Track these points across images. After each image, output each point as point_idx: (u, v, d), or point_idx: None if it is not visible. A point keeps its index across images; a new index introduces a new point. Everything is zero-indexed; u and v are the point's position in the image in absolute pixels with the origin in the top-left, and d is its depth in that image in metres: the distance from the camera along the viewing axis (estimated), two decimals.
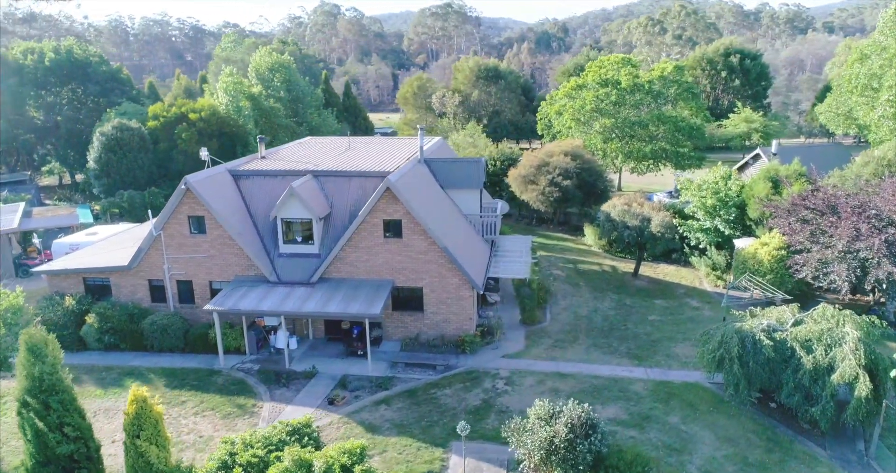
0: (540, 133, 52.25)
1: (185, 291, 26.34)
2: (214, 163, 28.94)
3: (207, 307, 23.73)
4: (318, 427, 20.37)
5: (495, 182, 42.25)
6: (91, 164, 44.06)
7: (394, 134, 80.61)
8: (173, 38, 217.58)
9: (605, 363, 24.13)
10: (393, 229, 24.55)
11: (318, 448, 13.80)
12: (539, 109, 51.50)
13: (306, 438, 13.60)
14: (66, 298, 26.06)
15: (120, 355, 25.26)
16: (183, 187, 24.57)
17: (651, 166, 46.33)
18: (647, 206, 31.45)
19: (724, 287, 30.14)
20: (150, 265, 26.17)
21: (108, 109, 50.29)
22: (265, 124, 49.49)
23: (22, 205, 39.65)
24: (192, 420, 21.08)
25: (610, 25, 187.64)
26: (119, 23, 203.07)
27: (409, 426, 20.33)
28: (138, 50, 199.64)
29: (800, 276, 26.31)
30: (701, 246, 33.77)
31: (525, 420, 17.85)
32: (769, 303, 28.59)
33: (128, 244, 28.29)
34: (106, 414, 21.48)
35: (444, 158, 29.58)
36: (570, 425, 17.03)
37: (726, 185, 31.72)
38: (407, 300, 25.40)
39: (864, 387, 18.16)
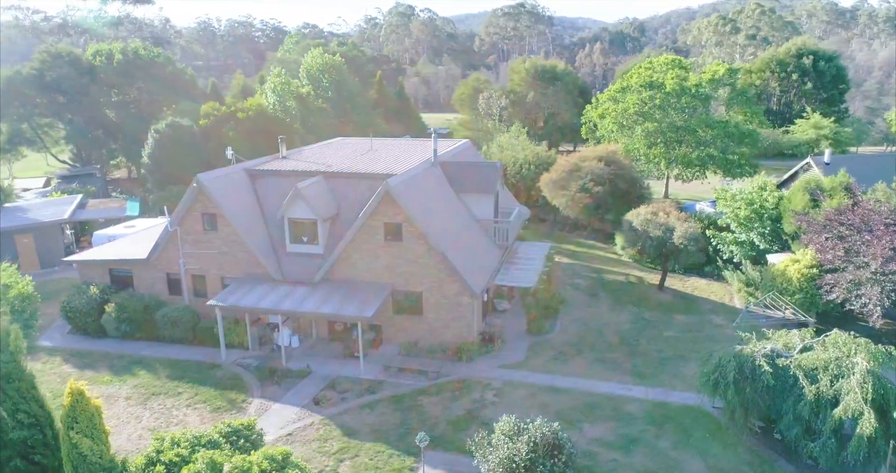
0: (584, 137, 50.85)
1: (199, 285, 27.24)
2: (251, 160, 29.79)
3: (210, 302, 24.46)
4: (298, 427, 20.68)
5: (529, 187, 41.42)
6: (145, 159, 46.42)
7: (449, 135, 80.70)
8: (256, 39, 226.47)
9: (605, 380, 23.13)
10: (393, 232, 24.47)
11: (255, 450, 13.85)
12: (584, 112, 50.08)
13: (242, 440, 13.68)
14: (92, 287, 27.52)
15: (134, 344, 26.42)
16: (195, 185, 25.42)
17: (698, 173, 44.10)
18: (673, 215, 29.93)
19: (753, 305, 28.27)
20: (168, 259, 27.24)
21: (164, 108, 52.82)
22: (311, 124, 50.58)
23: (78, 197, 42.26)
24: (184, 411, 21.76)
25: (689, 25, 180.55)
26: (207, 25, 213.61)
27: (387, 432, 20.19)
28: (224, 50, 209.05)
29: (830, 297, 24.30)
30: (735, 260, 31.84)
31: (490, 435, 17.37)
32: (802, 325, 26.66)
33: (155, 238, 29.53)
34: (107, 400, 22.46)
35: (459, 162, 29.23)
36: (532, 443, 16.42)
37: (761, 196, 29.74)
38: (407, 303, 25.26)
39: (867, 425, 16.52)
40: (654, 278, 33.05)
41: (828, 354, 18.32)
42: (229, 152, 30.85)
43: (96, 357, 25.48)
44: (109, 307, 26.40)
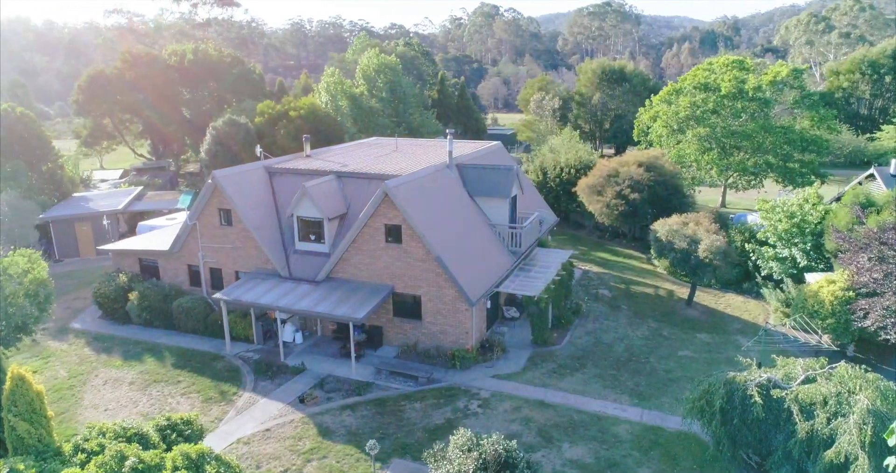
0: (636, 140, 48.60)
1: (216, 277, 28.17)
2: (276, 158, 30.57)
3: (216, 295, 25.22)
4: (277, 423, 20.92)
5: (568, 191, 40.12)
6: (202, 154, 48.66)
7: (514, 135, 79.77)
8: (346, 40, 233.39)
9: (600, 398, 21.96)
10: (393, 234, 24.31)
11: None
12: (637, 115, 47.89)
13: (175, 435, 13.92)
14: (120, 275, 29.10)
15: (153, 331, 27.68)
16: (210, 181, 26.29)
17: (754, 182, 41.10)
18: (703, 226, 28.02)
19: (783, 326, 26.05)
20: (189, 252, 28.36)
21: (225, 106, 55.19)
22: (363, 123, 51.32)
23: (138, 189, 44.91)
24: (177, 399, 22.54)
25: (789, 23, 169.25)
26: (299, 26, 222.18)
27: (362, 435, 20.05)
28: (314, 50, 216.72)
29: (864, 324, 21.95)
30: (776, 277, 29.44)
31: (445, 448, 16.83)
32: (842, 354, 24.32)
33: None
34: (113, 384, 23.67)
35: (475, 165, 28.65)
36: (482, 460, 15.77)
37: (803, 209, 27.29)
38: (406, 306, 25.04)
39: (859, 472, 14.73)
40: (685, 292, 31.14)
41: (829, 388, 16.51)
42: (258, 150, 31.77)
43: (116, 342, 26.90)
44: (133, 295, 27.79)
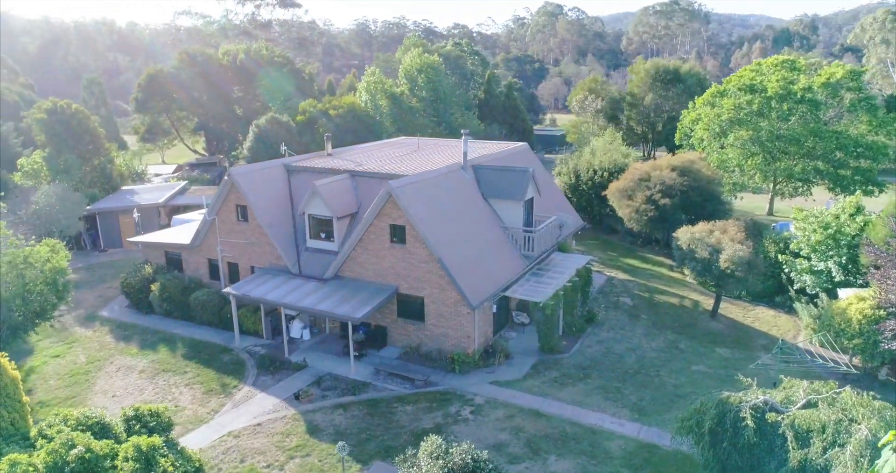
0: (677, 143, 46.58)
1: (234, 272, 28.81)
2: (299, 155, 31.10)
3: (225, 289, 25.76)
4: (269, 419, 21.14)
5: (601, 194, 38.96)
6: (244, 151, 50.04)
7: (563, 137, 78.42)
8: (455, 41, 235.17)
9: (599, 410, 21.13)
10: (398, 234, 24.17)
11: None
12: (681, 116, 45.94)
13: (138, 425, 14.21)
14: (146, 266, 30.19)
15: (171, 322, 28.57)
16: (227, 177, 26.89)
17: (802, 189, 38.68)
18: (729, 234, 26.55)
19: (810, 343, 24.40)
20: (209, 246, 29.12)
21: (270, 104, 56.55)
22: (402, 122, 51.51)
23: (182, 184, 46.59)
24: (180, 390, 23.14)
25: (864, 21, 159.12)
26: (364, 26, 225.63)
27: (348, 435, 20.00)
28: (378, 50, 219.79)
29: (893, 346, 20.23)
30: (810, 291, 27.60)
31: (416, 454, 16.54)
32: (872, 377, 22.62)
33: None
34: (125, 371, 24.55)
35: (491, 166, 28.14)
36: (447, 469, 15.40)
37: (839, 219, 25.43)
38: (410, 307, 24.86)
39: None
40: (712, 303, 29.63)
41: (829, 415, 15.25)
42: (283, 148, 32.30)
43: (136, 331, 27.91)
44: (155, 287, 28.77)
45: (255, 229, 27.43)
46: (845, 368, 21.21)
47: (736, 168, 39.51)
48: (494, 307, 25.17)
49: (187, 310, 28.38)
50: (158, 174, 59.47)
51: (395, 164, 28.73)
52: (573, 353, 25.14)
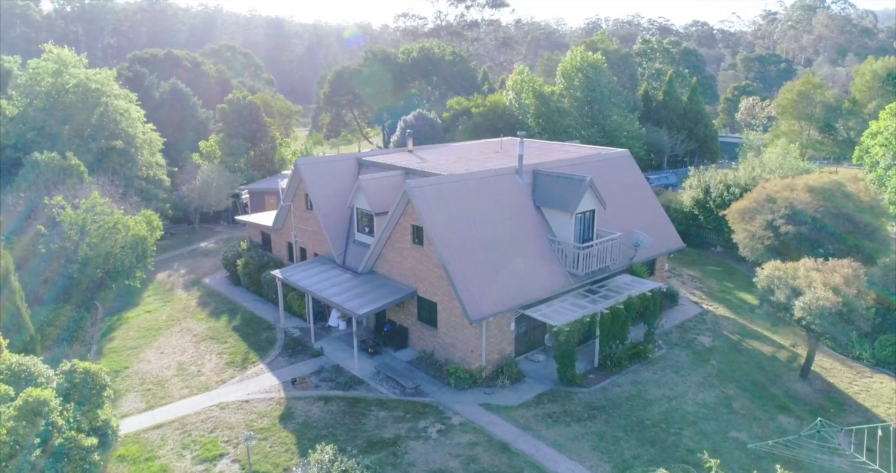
0: (855, 161, 37.39)
1: (304, 256, 30.52)
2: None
3: (273, 272, 27.37)
4: (259, 398, 22.10)
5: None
6: (391, 145, 52.37)
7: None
8: (643, 38, 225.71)
9: (575, 459, 18.34)
10: (417, 235, 23.45)
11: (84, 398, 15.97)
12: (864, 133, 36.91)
13: (66, 383, 15.86)
14: (241, 242, 33.38)
15: (248, 295, 31.18)
16: (294, 167, 28.48)
17: None
18: (838, 275, 20.91)
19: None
20: (287, 229, 31.20)
21: (430, 99, 58.14)
22: (548, 122, 49.50)
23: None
24: (211, 357, 25.25)
25: None
26: (595, 25, 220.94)
27: (313, 428, 20.12)
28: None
29: None
30: None
31: (309, 461, 16.02)
32: None
33: None
34: (182, 333, 27.47)
35: (549, 173, 25.69)
36: None
37: None
38: (426, 312, 23.99)
39: None
40: (822, 362, 23.75)
41: None
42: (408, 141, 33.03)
43: (217, 299, 31.04)
44: (240, 262, 31.70)
45: (316, 218, 28.69)
46: None
47: None
48: (513, 324, 23.13)
49: (259, 286, 30.77)
50: None
51: (457, 164, 27.83)
52: (595, 389, 22.08)
